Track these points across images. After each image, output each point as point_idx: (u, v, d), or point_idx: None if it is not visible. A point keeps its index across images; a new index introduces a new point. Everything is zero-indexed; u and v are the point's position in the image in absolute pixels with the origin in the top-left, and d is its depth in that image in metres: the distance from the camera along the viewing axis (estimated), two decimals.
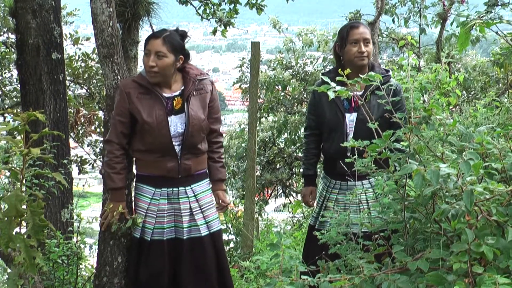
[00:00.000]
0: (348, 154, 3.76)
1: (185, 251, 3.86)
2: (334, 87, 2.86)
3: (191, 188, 3.89)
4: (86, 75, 9.52)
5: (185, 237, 3.86)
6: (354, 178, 3.65)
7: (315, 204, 4.26)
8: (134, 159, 3.94)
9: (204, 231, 3.90)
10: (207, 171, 4.04)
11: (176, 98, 3.82)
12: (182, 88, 3.85)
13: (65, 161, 5.57)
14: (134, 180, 3.98)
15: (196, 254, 3.88)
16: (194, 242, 3.88)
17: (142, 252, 3.89)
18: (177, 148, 3.81)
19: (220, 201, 4.06)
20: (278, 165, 10.76)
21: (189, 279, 3.87)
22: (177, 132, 3.79)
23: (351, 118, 3.94)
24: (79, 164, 9.22)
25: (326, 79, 2.98)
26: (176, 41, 3.78)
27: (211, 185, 4.04)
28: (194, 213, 3.88)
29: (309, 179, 4.29)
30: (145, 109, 3.74)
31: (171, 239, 3.87)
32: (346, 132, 3.93)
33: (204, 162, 3.99)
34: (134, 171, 3.97)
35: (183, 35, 3.87)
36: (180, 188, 3.87)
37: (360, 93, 3.86)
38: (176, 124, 3.79)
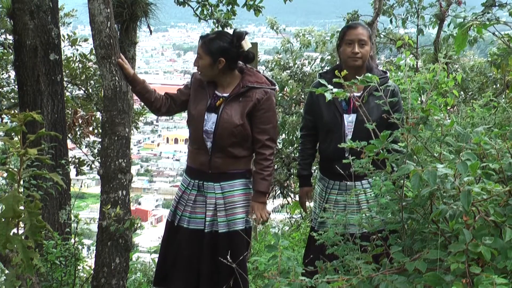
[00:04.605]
0: (346, 155, 3.75)
1: (205, 243, 3.97)
2: (331, 89, 2.86)
3: (220, 185, 3.97)
4: (84, 76, 9.52)
5: (206, 230, 3.97)
6: (352, 178, 3.65)
7: (311, 205, 4.26)
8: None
9: (222, 229, 3.94)
10: (249, 173, 4.05)
11: (221, 99, 3.94)
12: (231, 91, 3.97)
13: (63, 161, 5.57)
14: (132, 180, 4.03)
15: (213, 248, 3.94)
16: (212, 236, 3.97)
17: (170, 234, 4.09)
18: (208, 145, 3.93)
19: (253, 215, 4.00)
20: (276, 165, 10.76)
21: (206, 271, 3.97)
22: (208, 129, 3.93)
23: (349, 119, 3.94)
24: (77, 165, 9.21)
25: (323, 81, 2.98)
26: (214, 44, 3.89)
27: (246, 186, 4.04)
28: (217, 209, 3.96)
29: (304, 179, 4.29)
30: (195, 102, 4.01)
31: (197, 229, 4.00)
32: (344, 133, 3.92)
33: (241, 164, 4.00)
34: (132, 172, 4.00)
35: (238, 36, 3.93)
36: (209, 183, 3.98)
37: (359, 94, 3.86)
38: (209, 121, 3.93)
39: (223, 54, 3.88)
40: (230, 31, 4.08)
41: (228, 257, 3.63)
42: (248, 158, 4.04)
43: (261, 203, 4.01)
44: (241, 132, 3.91)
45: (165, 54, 67.83)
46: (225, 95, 3.94)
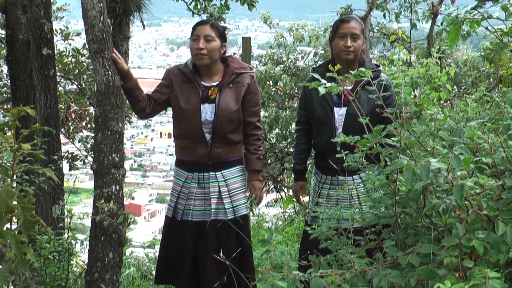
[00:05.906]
0: (338, 149, 3.76)
1: (208, 231, 4.00)
2: (325, 83, 2.86)
3: (221, 173, 4.04)
4: (77, 71, 9.48)
5: (212, 218, 4.00)
6: (344, 173, 3.65)
7: (306, 199, 4.27)
8: (175, 144, 4.19)
9: (229, 215, 4.02)
10: (243, 159, 4.17)
11: (212, 88, 3.99)
12: (221, 79, 4.02)
13: (55, 157, 5.55)
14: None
15: (219, 237, 3.99)
16: (217, 225, 4.00)
17: (172, 230, 4.10)
18: (207, 136, 3.98)
19: (254, 194, 4.21)
20: (269, 160, 10.74)
21: (210, 259, 3.88)
22: (207, 120, 3.96)
23: (340, 113, 3.95)
24: (70, 160, 9.19)
25: (316, 75, 2.97)
26: (221, 28, 4.03)
27: (243, 172, 4.15)
28: (222, 196, 4.02)
29: (299, 174, 4.29)
30: (183, 97, 3.99)
31: (199, 221, 4.03)
32: (335, 126, 3.93)
33: (237, 151, 4.12)
34: (126, 167, 3.99)
35: (224, 27, 4.12)
36: (210, 173, 4.03)
37: (351, 87, 3.86)
38: (207, 112, 3.97)
39: (225, 39, 4.02)
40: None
41: (235, 243, 3.66)
42: (240, 144, 4.16)
43: (260, 181, 4.20)
44: (238, 117, 4.02)
45: (158, 49, 67.70)
46: (213, 84, 4.01)
